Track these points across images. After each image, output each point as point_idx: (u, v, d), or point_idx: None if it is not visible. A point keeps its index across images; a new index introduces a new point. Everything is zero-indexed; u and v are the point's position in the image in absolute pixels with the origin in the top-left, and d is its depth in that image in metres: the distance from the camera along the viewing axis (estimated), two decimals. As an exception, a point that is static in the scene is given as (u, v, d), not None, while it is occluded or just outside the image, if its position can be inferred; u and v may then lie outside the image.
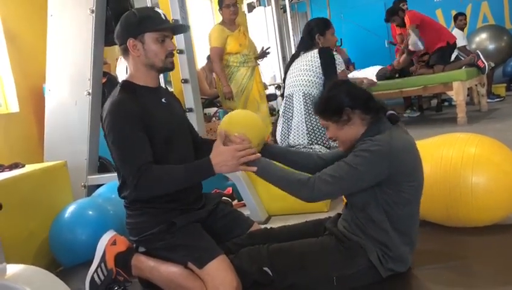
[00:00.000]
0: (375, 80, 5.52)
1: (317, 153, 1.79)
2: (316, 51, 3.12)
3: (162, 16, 1.72)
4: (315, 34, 3.14)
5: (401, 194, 1.51)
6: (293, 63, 3.27)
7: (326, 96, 1.61)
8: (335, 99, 1.58)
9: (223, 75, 4.07)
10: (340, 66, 3.08)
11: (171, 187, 1.63)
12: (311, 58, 3.11)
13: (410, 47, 5.57)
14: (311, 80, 3.10)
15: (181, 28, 1.87)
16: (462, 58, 5.81)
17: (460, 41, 6.05)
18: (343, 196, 1.69)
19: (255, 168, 1.59)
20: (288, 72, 3.31)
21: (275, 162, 1.67)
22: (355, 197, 1.55)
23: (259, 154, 1.61)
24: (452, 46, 5.62)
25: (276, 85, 7.09)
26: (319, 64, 3.07)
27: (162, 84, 4.83)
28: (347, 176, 1.47)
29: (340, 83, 1.65)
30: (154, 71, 1.73)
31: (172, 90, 4.31)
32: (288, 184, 1.55)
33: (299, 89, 3.14)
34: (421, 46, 5.54)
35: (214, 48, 4.06)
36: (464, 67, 5.39)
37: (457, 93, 5.02)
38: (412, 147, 1.56)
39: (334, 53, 3.10)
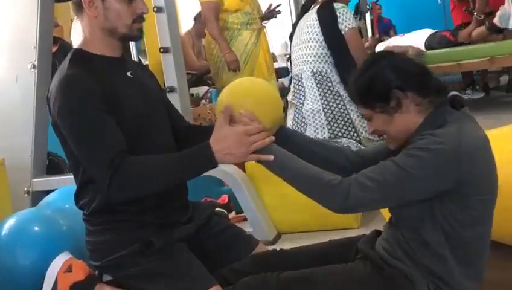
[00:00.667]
0: (423, 48, 5.54)
1: (350, 148, 1.79)
2: (314, 10, 3.17)
3: None
4: None
5: (468, 210, 1.50)
6: (295, 32, 3.29)
7: (363, 75, 1.60)
8: (377, 79, 1.56)
9: (221, 39, 4.09)
10: (346, 23, 3.10)
11: (157, 185, 1.63)
12: (310, 23, 3.16)
13: (496, 20, 5.42)
14: (317, 53, 3.15)
15: None
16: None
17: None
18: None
19: (271, 157, 1.58)
20: (292, 44, 3.33)
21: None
22: (404, 211, 1.55)
23: (273, 137, 1.61)
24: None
25: (288, 56, 7.09)
26: (320, 29, 3.11)
27: (134, 55, 4.86)
28: (396, 181, 1.47)
29: (380, 55, 1.64)
30: (115, 39, 1.75)
31: (146, 63, 4.34)
32: (313, 185, 1.54)
33: (307, 67, 3.19)
34: (510, 24, 5.39)
35: (206, 3, 4.08)
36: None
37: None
38: (487, 147, 1.54)
39: (340, 5, 3.11)
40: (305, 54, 3.17)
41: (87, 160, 1.64)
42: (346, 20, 3.08)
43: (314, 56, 3.13)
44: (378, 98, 1.56)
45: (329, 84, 3.11)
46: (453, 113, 1.54)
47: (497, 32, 5.56)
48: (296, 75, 3.27)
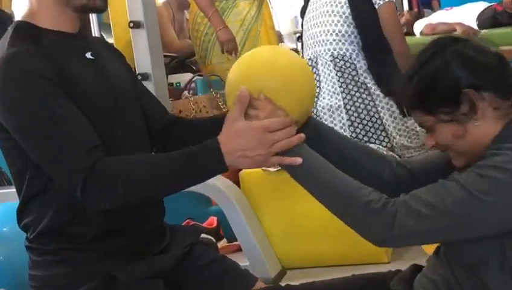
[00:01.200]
0: (475, 27, 5.55)
1: (394, 156, 1.78)
2: None
3: None
4: None
5: None
6: (310, 4, 3.29)
7: (422, 70, 1.58)
8: (443, 75, 1.54)
9: (213, 10, 4.13)
10: None
11: (145, 189, 1.64)
12: None
13: None
14: (341, 31, 3.18)
15: None
16: None
17: None
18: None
19: (300, 160, 1.57)
20: (306, 19, 3.34)
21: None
22: (462, 247, 1.54)
23: (303, 136, 1.60)
24: None
25: (297, 34, 7.11)
26: (347, 1, 3.14)
27: (94, 31, 4.86)
28: (461, 209, 1.44)
29: (444, 41, 1.61)
30: (70, 10, 1.75)
31: (111, 41, 4.34)
32: (347, 205, 1.53)
33: (325, 49, 3.22)
34: None
35: None
36: None
37: None
38: None
39: None
40: (324, 32, 3.19)
41: (49, 162, 1.63)
42: None
43: (337, 35, 3.15)
44: (444, 101, 1.54)
45: (354, 72, 3.12)
46: None
47: None
48: (310, 59, 3.27)
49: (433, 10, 7.18)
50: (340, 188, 1.54)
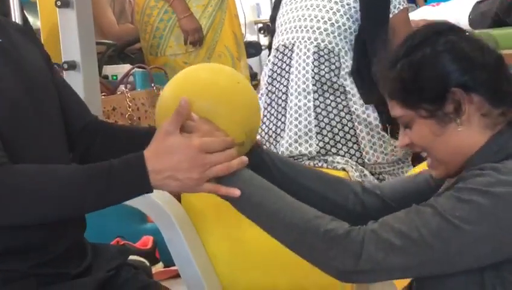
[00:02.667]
0: (466, 26, 5.61)
1: (359, 182, 1.78)
2: None
3: None
4: None
5: None
6: None
7: (408, 56, 1.60)
8: (432, 66, 1.56)
9: None
10: (399, 0, 3.19)
11: (52, 206, 1.61)
12: None
13: None
14: (335, 22, 3.18)
15: None
16: None
17: None
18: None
19: (238, 192, 1.58)
20: (285, 2, 3.36)
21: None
22: (437, 283, 1.55)
23: (245, 158, 1.62)
24: None
25: (260, 25, 7.14)
26: None
27: (14, 13, 4.84)
28: (436, 240, 1.45)
29: (438, 28, 1.64)
30: None
31: (38, 24, 4.31)
32: (303, 236, 1.53)
33: (308, 37, 3.21)
34: None
35: None
36: None
37: None
38: None
39: None
40: (312, 17, 3.19)
41: None
42: None
43: (332, 24, 3.16)
44: (427, 95, 1.56)
45: (335, 71, 3.12)
46: None
47: None
48: (283, 46, 3.28)
49: (417, 6, 7.25)
50: (292, 218, 1.54)
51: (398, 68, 1.59)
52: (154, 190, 1.63)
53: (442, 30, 1.62)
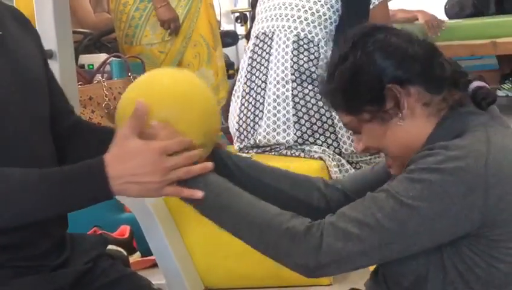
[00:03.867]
0: (441, 16, 5.63)
1: (322, 178, 1.79)
2: None
3: None
4: None
5: (496, 265, 1.51)
6: None
7: (342, 63, 1.60)
8: (364, 68, 1.57)
9: None
10: None
11: (9, 216, 1.60)
12: None
13: None
14: (316, 11, 3.18)
15: None
16: None
17: None
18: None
19: (200, 194, 1.57)
20: None
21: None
22: (399, 265, 1.56)
23: (209, 164, 1.61)
24: None
25: (237, 14, 7.13)
26: None
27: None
28: (392, 223, 1.46)
29: (366, 30, 1.65)
30: None
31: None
32: (265, 235, 1.54)
33: (288, 26, 3.21)
34: None
35: None
36: None
37: None
38: None
39: None
40: (294, 5, 3.19)
41: None
42: None
43: (312, 14, 3.15)
44: (366, 98, 1.57)
45: (314, 61, 3.13)
46: (476, 115, 1.57)
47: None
48: (263, 34, 3.27)
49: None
50: (254, 218, 1.55)
51: (335, 79, 1.61)
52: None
53: (369, 31, 1.63)
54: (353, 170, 3.05)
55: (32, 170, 1.63)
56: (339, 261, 1.49)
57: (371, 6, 3.18)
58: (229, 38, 5.97)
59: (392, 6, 6.06)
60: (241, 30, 6.71)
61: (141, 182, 1.57)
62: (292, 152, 3.10)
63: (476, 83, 1.60)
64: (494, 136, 1.52)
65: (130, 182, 1.57)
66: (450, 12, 5.71)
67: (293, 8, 3.19)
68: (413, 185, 1.46)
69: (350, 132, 3.08)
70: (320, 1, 3.15)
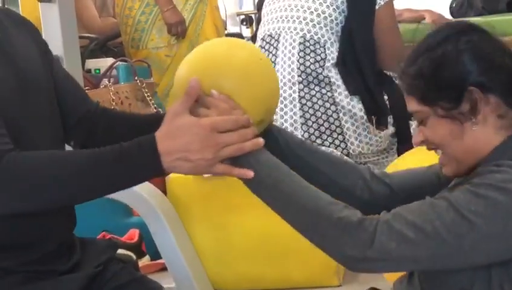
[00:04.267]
0: (447, 15, 5.62)
1: (369, 167, 1.79)
2: None
3: None
4: None
5: None
6: None
7: (430, 53, 1.59)
8: (451, 64, 1.55)
9: None
10: None
11: (63, 190, 1.60)
12: None
13: None
14: (322, 12, 3.18)
15: None
16: None
17: None
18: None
19: (251, 174, 1.57)
20: None
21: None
22: (445, 276, 1.55)
23: (261, 140, 1.60)
24: None
25: (242, 17, 7.13)
26: None
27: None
28: (450, 234, 1.44)
29: (461, 27, 1.63)
30: None
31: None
32: (316, 221, 1.52)
33: (294, 28, 3.21)
34: None
35: None
36: None
37: None
38: None
39: None
40: (300, 7, 3.18)
41: None
42: None
43: (318, 15, 3.14)
44: (445, 93, 1.55)
45: (320, 63, 3.13)
46: None
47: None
48: (269, 36, 3.27)
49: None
50: (306, 203, 1.53)
51: (418, 64, 1.58)
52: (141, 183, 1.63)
53: (465, 29, 1.61)
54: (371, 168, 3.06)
55: (84, 151, 1.67)
56: (387, 260, 1.48)
57: (377, 7, 3.16)
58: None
59: (398, 5, 6.08)
60: (246, 32, 6.70)
61: (192, 159, 1.55)
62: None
63: None
64: None
65: (181, 158, 1.56)
66: (456, 12, 5.69)
67: (298, 9, 3.18)
68: (477, 200, 1.44)
69: (357, 133, 3.12)
70: (326, 2, 3.15)
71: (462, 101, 1.52)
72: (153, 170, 1.58)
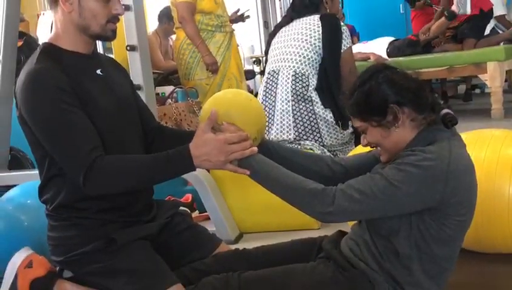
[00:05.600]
0: (384, 56, 5.60)
1: (331, 157, 1.76)
2: (316, 17, 3.17)
3: None
4: None
5: (444, 229, 1.51)
6: (281, 31, 3.30)
7: (361, 89, 1.58)
8: (375, 93, 1.55)
9: (200, 40, 4.09)
10: (346, 41, 3.15)
11: (132, 184, 1.64)
12: (309, 27, 3.16)
13: (455, 7, 5.44)
14: (306, 55, 3.14)
15: None
16: (500, 32, 5.90)
17: (498, 9, 6.09)
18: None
19: (248, 172, 1.58)
20: (274, 42, 3.33)
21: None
22: (381, 221, 1.55)
23: (255, 148, 1.61)
24: (487, 14, 5.69)
25: (254, 59, 7.10)
26: (320, 36, 3.12)
27: (100, 51, 4.81)
28: (383, 195, 1.46)
29: (377, 68, 1.61)
30: (87, 36, 1.72)
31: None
32: (295, 193, 1.54)
33: (289, 66, 3.17)
34: (468, 10, 5.44)
35: (183, 3, 4.04)
36: (502, 43, 5.47)
37: (493, 78, 5.08)
38: (473, 169, 1.56)
39: (342, 24, 3.17)
40: (292, 52, 3.16)
41: (60, 156, 1.61)
42: (347, 38, 3.13)
43: (304, 57, 3.13)
44: (375, 112, 1.54)
45: (306, 88, 3.11)
46: (443, 131, 1.54)
47: (456, 42, 5.66)
48: (273, 71, 3.24)
49: (353, 43, 7.23)
50: (288, 182, 1.54)
51: (355, 96, 1.58)
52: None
53: (381, 68, 1.60)
54: (332, 156, 3.05)
55: (143, 155, 1.70)
56: (343, 214, 1.49)
57: (342, 50, 3.13)
58: (250, 74, 5.94)
59: (354, 50, 6.06)
60: (257, 69, 6.64)
61: (212, 161, 1.57)
62: (293, 145, 3.07)
63: (445, 110, 1.57)
64: (454, 147, 1.50)
65: (205, 160, 1.57)
66: (390, 53, 5.67)
67: (291, 54, 3.16)
68: (399, 173, 1.45)
69: (329, 132, 3.12)
70: (309, 49, 3.12)
71: (387, 114, 1.52)
72: (188, 167, 1.60)
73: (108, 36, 1.73)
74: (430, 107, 1.56)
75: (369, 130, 1.58)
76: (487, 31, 5.82)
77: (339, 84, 3.15)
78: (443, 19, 5.49)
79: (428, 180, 1.45)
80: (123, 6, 1.78)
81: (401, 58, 5.61)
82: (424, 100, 1.55)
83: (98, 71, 1.76)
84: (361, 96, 1.56)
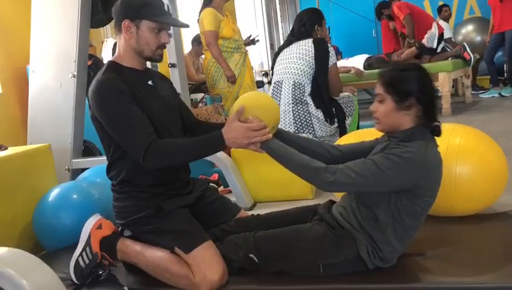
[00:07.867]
0: (362, 69, 5.55)
1: (328, 143, 1.74)
2: (310, 40, 3.13)
3: (166, 7, 1.72)
4: (313, 25, 3.17)
5: (415, 206, 1.50)
6: (283, 51, 3.27)
7: (402, 70, 1.51)
8: (408, 81, 1.49)
9: (223, 60, 4.07)
10: (332, 58, 3.10)
11: (181, 157, 1.64)
12: (305, 48, 3.12)
13: (425, 41, 5.39)
14: (303, 69, 3.10)
15: (181, 23, 1.81)
16: (448, 50, 5.84)
17: (446, 33, 6.08)
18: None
19: (263, 152, 1.57)
20: (278, 59, 3.31)
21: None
22: (366, 194, 1.54)
23: (270, 135, 1.58)
24: (439, 37, 5.65)
25: (263, 72, 7.08)
26: (313, 54, 3.07)
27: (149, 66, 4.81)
28: (372, 176, 1.45)
29: (418, 67, 1.54)
30: (141, 57, 1.72)
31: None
32: (304, 169, 1.51)
33: (289, 77, 3.14)
34: (435, 44, 5.39)
35: (210, 32, 4.01)
36: (450, 58, 5.43)
37: (443, 85, 5.06)
38: (441, 165, 1.54)
39: (329, 45, 3.12)
40: (291, 67, 3.13)
41: (126, 142, 1.62)
42: (333, 56, 3.09)
43: (299, 70, 3.09)
44: (398, 92, 1.49)
45: (302, 93, 3.09)
46: (427, 134, 1.52)
47: (415, 57, 5.60)
48: (278, 82, 3.20)
49: (338, 60, 7.17)
50: (299, 161, 1.52)
51: (393, 72, 1.52)
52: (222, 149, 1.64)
53: (421, 68, 1.54)
54: (329, 143, 3.02)
55: (191, 139, 1.71)
56: (341, 186, 1.48)
57: (329, 65, 3.09)
58: (260, 84, 5.92)
59: (339, 64, 6.01)
60: (265, 80, 6.60)
61: (237, 142, 1.57)
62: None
63: (437, 123, 1.53)
64: (430, 146, 1.49)
65: (234, 142, 1.57)
66: (366, 68, 5.63)
67: (291, 67, 3.13)
68: (387, 161, 1.44)
69: (320, 127, 3.09)
70: (304, 64, 3.09)
71: (406, 100, 1.49)
72: (222, 147, 1.59)
73: (157, 59, 1.73)
74: (431, 116, 1.52)
75: (385, 102, 1.51)
76: (439, 50, 5.77)
77: (327, 91, 3.11)
78: (414, 48, 5.43)
79: (407, 169, 1.44)
80: (170, 35, 1.78)
81: (375, 70, 5.55)
82: (433, 108, 1.52)
83: (149, 82, 1.76)
84: (398, 77, 1.50)
